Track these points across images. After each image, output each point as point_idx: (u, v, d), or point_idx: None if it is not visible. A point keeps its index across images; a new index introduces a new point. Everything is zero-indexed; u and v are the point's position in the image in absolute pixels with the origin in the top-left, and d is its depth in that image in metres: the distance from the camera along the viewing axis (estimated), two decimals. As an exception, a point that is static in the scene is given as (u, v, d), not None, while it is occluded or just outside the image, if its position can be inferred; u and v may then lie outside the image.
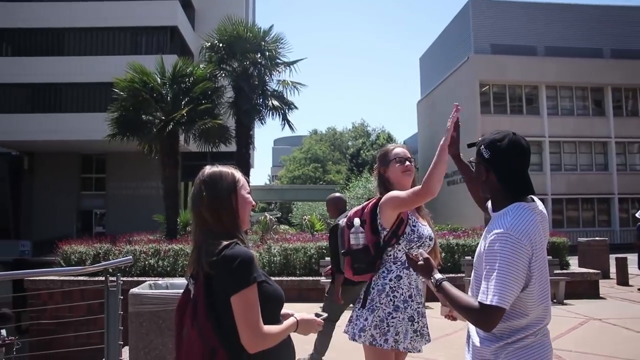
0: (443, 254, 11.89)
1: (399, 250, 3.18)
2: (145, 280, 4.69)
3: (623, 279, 13.36)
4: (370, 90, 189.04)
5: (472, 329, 2.31)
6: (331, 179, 58.29)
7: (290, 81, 20.54)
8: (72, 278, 10.90)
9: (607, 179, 33.69)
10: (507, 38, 34.91)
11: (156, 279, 4.55)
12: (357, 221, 3.24)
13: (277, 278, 11.13)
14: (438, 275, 2.32)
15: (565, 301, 10.65)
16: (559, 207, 33.03)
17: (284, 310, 2.21)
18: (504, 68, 33.40)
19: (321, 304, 10.22)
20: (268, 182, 79.55)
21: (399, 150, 3.38)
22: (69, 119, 26.73)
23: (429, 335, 3.25)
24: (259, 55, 19.60)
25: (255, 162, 18.91)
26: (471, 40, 35.22)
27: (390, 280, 3.15)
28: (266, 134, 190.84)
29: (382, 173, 3.38)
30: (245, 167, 20.63)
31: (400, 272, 3.16)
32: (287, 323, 2.12)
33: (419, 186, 3.14)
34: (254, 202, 2.24)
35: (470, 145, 2.44)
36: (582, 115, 34.52)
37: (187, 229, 17.62)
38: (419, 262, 2.42)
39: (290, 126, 20.86)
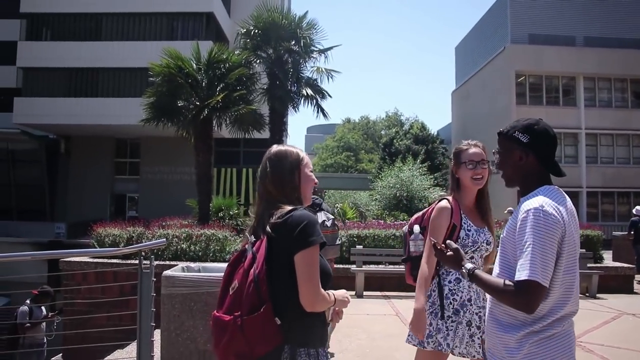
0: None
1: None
2: (178, 264, 4.74)
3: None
4: (404, 79, 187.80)
5: (494, 315, 2.27)
6: (363, 168, 58.11)
7: (325, 68, 20.48)
8: (105, 260, 11.08)
9: (642, 173, 32.91)
10: (545, 28, 34.19)
11: (188, 263, 4.59)
12: (416, 228, 3.21)
13: (307, 265, 11.17)
14: (469, 265, 2.29)
15: (598, 295, 10.48)
16: (594, 200, 32.44)
17: None
18: (541, 58, 32.78)
19: (352, 292, 10.28)
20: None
21: (472, 152, 3.24)
22: (106, 103, 27.11)
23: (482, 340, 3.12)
24: (294, 42, 19.57)
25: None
26: (508, 29, 34.61)
27: (450, 282, 3.14)
28: (299, 122, 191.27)
29: (454, 172, 3.30)
30: (277, 154, 20.64)
31: (458, 274, 3.11)
32: (329, 293, 2.20)
33: (423, 267, 3.13)
34: (316, 180, 2.37)
35: (500, 133, 2.44)
36: (621, 108, 33.75)
37: (219, 214, 17.76)
38: (448, 253, 2.38)
39: (324, 114, 20.81)
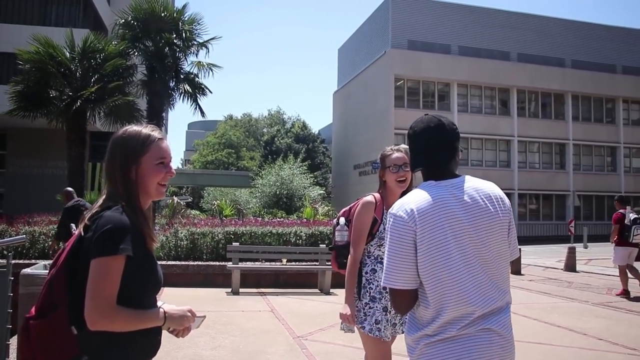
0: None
1: (372, 246, 3.39)
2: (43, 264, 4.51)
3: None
4: (288, 79, 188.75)
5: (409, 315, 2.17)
6: (244, 165, 57.92)
7: (206, 63, 20.17)
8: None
9: (509, 175, 35.46)
10: (424, 35, 35.89)
11: (46, 262, 4.38)
12: (342, 220, 3.58)
13: (183, 263, 11.01)
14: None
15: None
16: (463, 201, 34.38)
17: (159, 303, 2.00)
18: (419, 64, 34.35)
19: (228, 289, 10.26)
20: (180, 166, 77.97)
21: (395, 157, 3.43)
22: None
23: (402, 326, 3.40)
24: (175, 35, 19.14)
25: (166, 142, 18.37)
26: (389, 34, 35.89)
27: (366, 273, 3.39)
28: (181, 117, 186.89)
29: (381, 176, 3.51)
30: (157, 150, 20.09)
31: (374, 265, 3.39)
32: (148, 312, 1.88)
33: (350, 260, 3.39)
34: (171, 172, 2.01)
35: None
36: (490, 114, 36.10)
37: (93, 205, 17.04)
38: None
39: (201, 112, 20.52)
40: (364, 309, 3.34)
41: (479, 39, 36.63)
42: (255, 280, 11.14)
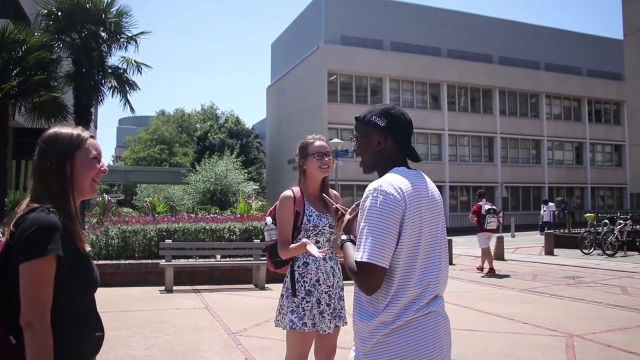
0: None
1: (299, 240, 3.36)
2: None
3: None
4: (220, 73, 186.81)
5: (358, 301, 2.15)
6: (177, 161, 57.04)
7: (135, 61, 19.60)
8: None
9: (440, 167, 36.34)
10: (357, 31, 36.22)
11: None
12: (269, 219, 3.57)
13: (114, 261, 10.74)
14: (344, 236, 2.26)
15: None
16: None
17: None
18: (351, 59, 34.67)
19: (161, 287, 10.07)
20: (112, 163, 75.96)
21: (319, 144, 3.46)
22: None
23: (344, 318, 3.44)
24: (101, 28, 18.55)
25: (97, 141, 17.93)
26: (322, 29, 36.04)
27: (299, 267, 3.39)
28: (111, 112, 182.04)
29: (301, 165, 3.52)
30: (85, 146, 19.45)
31: (306, 258, 3.39)
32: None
33: (281, 245, 3.40)
34: (104, 169, 2.02)
35: (357, 119, 2.34)
36: (421, 108, 36.82)
37: (16, 210, 16.35)
38: (344, 217, 2.45)
39: (130, 107, 19.98)
40: (301, 304, 3.33)
41: (410, 35, 37.30)
42: (189, 277, 10.99)
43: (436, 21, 38.40)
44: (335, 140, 23.87)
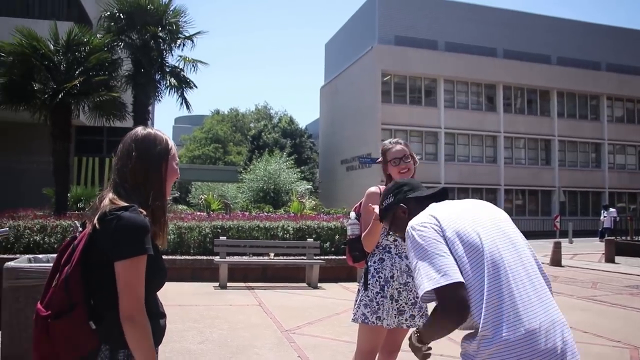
0: (337, 237, 12.15)
1: (380, 236, 3.45)
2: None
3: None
4: (275, 73, 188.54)
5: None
6: (231, 160, 57.79)
7: (192, 58, 20.05)
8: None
9: (495, 170, 35.65)
10: (411, 31, 35.90)
11: (31, 255, 4.35)
12: (352, 214, 3.74)
13: (170, 257, 10.93)
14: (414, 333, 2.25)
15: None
16: (450, 195, 34.48)
17: None
18: (405, 60, 34.38)
19: (215, 283, 10.22)
20: (167, 161, 77.46)
21: (395, 150, 3.54)
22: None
23: (417, 317, 3.45)
24: (160, 28, 19.00)
25: None
26: (376, 30, 35.91)
27: (375, 262, 3.47)
28: (167, 112, 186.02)
29: (384, 169, 3.63)
30: (142, 144, 19.96)
31: (382, 255, 3.48)
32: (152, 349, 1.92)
33: (363, 235, 3.47)
34: (178, 174, 2.18)
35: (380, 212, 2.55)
36: (476, 110, 36.25)
37: (77, 205, 16.91)
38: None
39: (187, 106, 20.39)
40: (375, 298, 3.39)
41: (465, 35, 36.67)
42: (242, 274, 11.11)
43: (492, 21, 37.62)
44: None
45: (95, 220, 1.89)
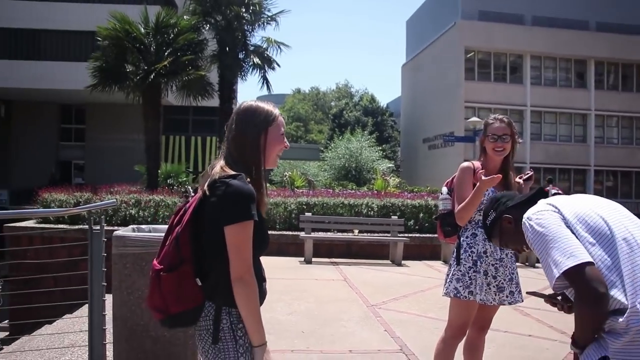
0: (422, 215, 12.10)
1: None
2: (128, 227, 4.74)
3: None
4: (355, 51, 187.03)
5: None
6: (313, 139, 58.30)
7: (275, 40, 20.38)
8: (52, 226, 10.91)
9: (585, 150, 34.13)
10: (496, 5, 34.65)
11: (135, 225, 4.62)
12: (444, 190, 3.71)
13: (256, 232, 11.24)
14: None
15: (537, 264, 10.89)
16: (536, 175, 33.49)
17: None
18: (490, 35, 33.32)
19: (300, 258, 10.44)
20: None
21: (496, 127, 3.48)
22: (49, 67, 26.07)
23: (516, 293, 3.47)
24: (244, 9, 19.40)
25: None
26: (459, 5, 34.98)
27: (467, 237, 3.47)
28: (249, 91, 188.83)
29: (481, 142, 3.60)
30: (227, 122, 20.50)
31: (475, 230, 3.46)
32: (262, 327, 2.04)
33: (459, 208, 3.43)
34: (287, 144, 2.26)
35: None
36: (565, 87, 34.79)
37: (167, 181, 17.63)
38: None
39: (268, 86, 20.83)
40: (468, 273, 3.39)
41: (554, 8, 34.91)
42: (327, 250, 11.29)
43: (583, -7, 35.71)
44: (474, 119, 23.17)
45: (206, 187, 2.02)
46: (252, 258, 2.00)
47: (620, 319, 1.74)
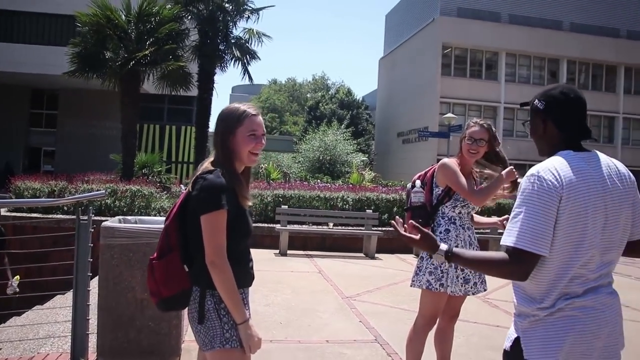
0: (396, 209, 12.32)
1: (446, 207, 3.66)
2: (102, 220, 4.82)
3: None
4: (332, 44, 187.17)
5: (513, 293, 2.07)
6: (288, 130, 58.24)
7: (256, 31, 20.38)
8: (37, 215, 10.85)
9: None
10: (474, 2, 35.09)
11: (121, 217, 4.71)
12: (418, 182, 3.83)
13: (233, 224, 11.34)
14: (444, 246, 2.08)
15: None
16: (508, 172, 34.06)
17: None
18: (467, 32, 33.74)
19: (276, 250, 10.59)
20: (223, 130, 78.51)
21: (473, 130, 3.65)
22: (20, 49, 25.39)
23: (479, 284, 3.69)
24: (226, 1, 19.39)
25: (212, 108, 19.35)
26: (439, 1, 35.25)
27: (440, 232, 3.65)
28: (225, 81, 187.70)
29: (460, 140, 3.76)
30: (205, 112, 20.51)
31: (448, 226, 3.65)
32: (240, 306, 2.23)
33: (475, 193, 3.59)
34: (258, 144, 2.36)
35: (523, 104, 2.35)
36: (538, 85, 35.26)
37: (143, 170, 17.54)
38: (417, 237, 2.14)
39: (250, 77, 20.84)
40: (440, 266, 3.56)
41: (530, 7, 35.56)
42: (302, 243, 11.47)
43: (558, -8, 36.31)
44: (449, 115, 23.50)
45: (190, 182, 2.32)
46: (225, 244, 2.20)
47: (531, 307, 1.95)
